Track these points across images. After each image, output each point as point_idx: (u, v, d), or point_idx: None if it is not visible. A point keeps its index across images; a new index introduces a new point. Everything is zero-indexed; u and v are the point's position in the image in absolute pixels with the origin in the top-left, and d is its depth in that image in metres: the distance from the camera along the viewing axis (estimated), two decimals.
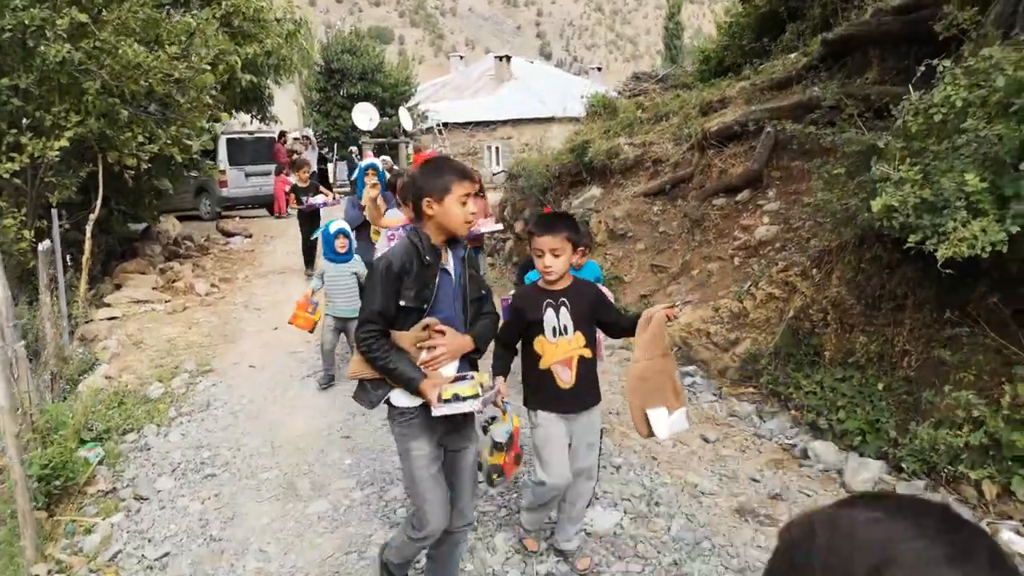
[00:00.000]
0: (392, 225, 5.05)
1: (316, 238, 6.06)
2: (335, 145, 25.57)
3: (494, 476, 3.22)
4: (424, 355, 2.60)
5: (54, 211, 8.05)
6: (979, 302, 4.25)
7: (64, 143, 8.05)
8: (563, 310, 3.04)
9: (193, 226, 15.05)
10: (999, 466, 3.75)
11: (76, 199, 8.99)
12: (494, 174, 21.26)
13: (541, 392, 3.10)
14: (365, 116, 21.93)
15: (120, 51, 8.10)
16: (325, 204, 9.90)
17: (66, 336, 7.43)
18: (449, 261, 2.73)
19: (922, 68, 4.44)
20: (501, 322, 3.04)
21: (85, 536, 4.02)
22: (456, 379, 2.64)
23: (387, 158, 19.91)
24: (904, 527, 0.67)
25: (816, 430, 4.70)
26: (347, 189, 18.02)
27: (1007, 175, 3.59)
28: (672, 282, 7.22)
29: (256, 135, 18.05)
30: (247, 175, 17.22)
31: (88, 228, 8.81)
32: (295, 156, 18.53)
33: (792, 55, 8.69)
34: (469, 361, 2.80)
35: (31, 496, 4.02)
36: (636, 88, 12.89)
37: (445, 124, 29.53)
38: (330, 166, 22.02)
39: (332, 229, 5.99)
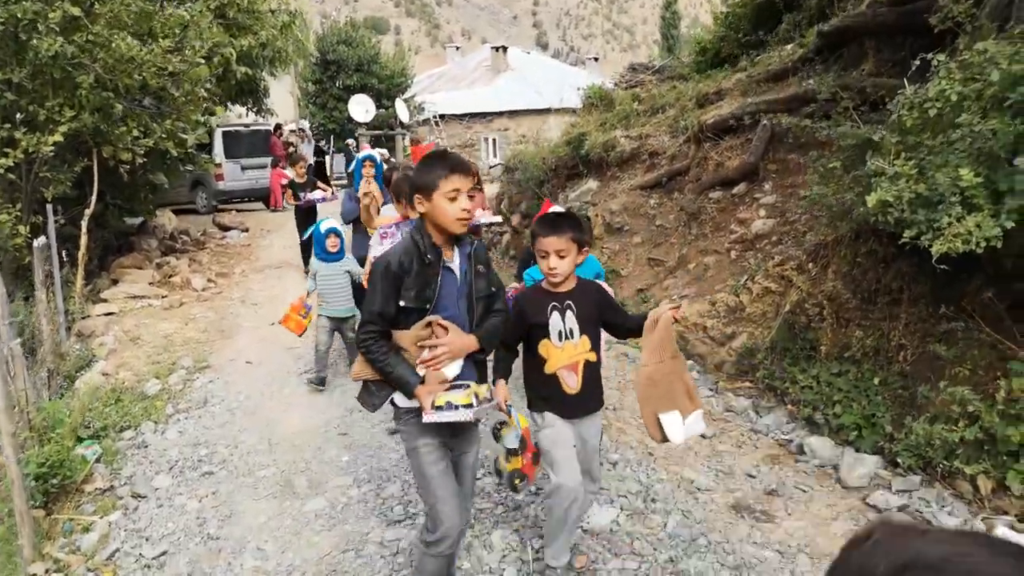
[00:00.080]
0: (385, 223, 5.02)
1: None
2: (331, 137, 25.48)
3: (517, 481, 3.18)
4: (425, 353, 2.54)
5: (49, 207, 8.03)
6: (974, 297, 4.26)
7: (58, 138, 8.01)
8: (569, 313, 2.96)
9: (189, 220, 15.01)
10: (994, 461, 3.76)
11: (71, 194, 8.97)
12: (491, 166, 21.21)
13: (546, 397, 3.01)
14: (361, 108, 21.82)
15: (113, 45, 8.05)
16: (323, 199, 9.74)
17: (63, 332, 7.43)
18: (455, 258, 2.64)
19: (917, 62, 4.43)
20: None
21: (83, 535, 4.02)
22: (452, 386, 2.56)
23: (384, 151, 19.86)
24: None
25: (812, 425, 4.72)
26: (344, 182, 17.98)
27: (1001, 170, 3.58)
28: (669, 276, 7.22)
29: (252, 128, 17.98)
30: (243, 168, 17.16)
31: (83, 223, 8.79)
32: (292, 149, 18.52)
33: (788, 46, 8.65)
34: (475, 362, 2.71)
35: (28, 495, 4.02)
36: (632, 79, 12.86)
37: (442, 116, 29.43)
38: (327, 158, 21.93)
39: (323, 228, 5.89)
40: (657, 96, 10.34)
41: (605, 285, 3.60)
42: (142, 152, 9.00)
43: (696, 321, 6.21)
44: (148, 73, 8.55)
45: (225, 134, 16.91)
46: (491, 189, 12.20)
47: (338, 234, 5.88)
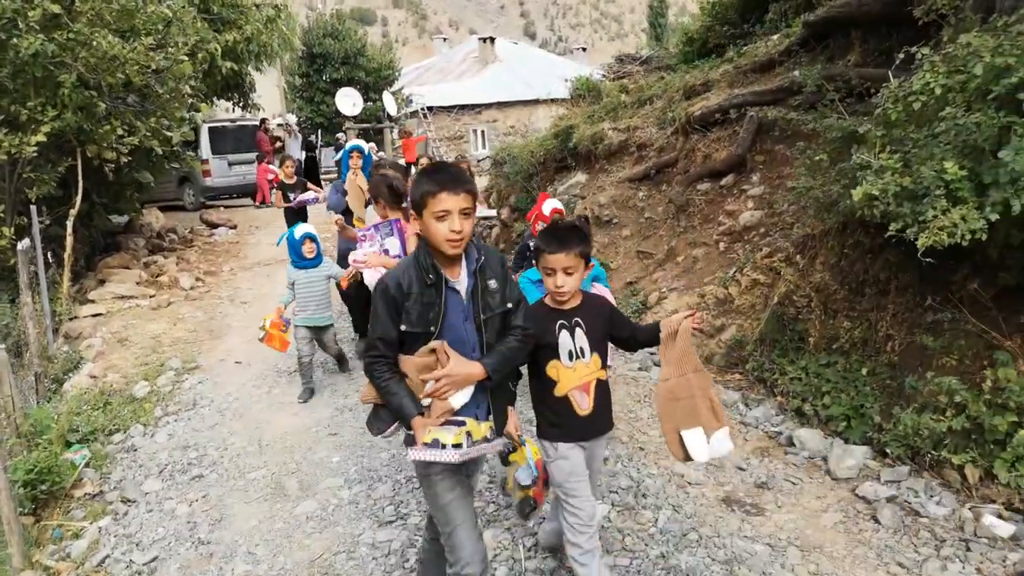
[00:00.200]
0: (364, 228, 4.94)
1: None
2: (319, 131, 25.36)
3: (528, 510, 3.08)
4: (429, 385, 2.36)
5: (33, 207, 7.96)
6: (960, 287, 4.27)
7: (41, 138, 7.94)
8: (578, 331, 2.79)
9: (177, 217, 14.94)
10: (981, 450, 3.79)
11: (56, 194, 8.89)
12: (480, 160, 21.16)
13: (558, 421, 2.82)
14: (349, 101, 21.75)
15: (95, 43, 7.98)
16: (315, 200, 9.22)
17: (50, 334, 7.38)
18: (460, 277, 2.43)
19: (901, 55, 4.43)
20: None
21: (73, 541, 4.01)
22: (447, 421, 2.38)
23: (372, 144, 19.77)
24: None
25: (801, 416, 4.74)
26: (334, 175, 17.89)
27: (986, 162, 3.60)
28: (658, 268, 7.22)
29: (239, 123, 17.88)
30: (230, 164, 17.08)
31: (69, 223, 8.73)
32: (279, 144, 18.40)
33: (775, 36, 8.65)
34: (490, 392, 2.51)
35: (17, 502, 4.00)
36: (620, 70, 12.84)
37: (430, 108, 29.32)
38: (317, 153, 21.75)
39: (297, 234, 5.59)
40: (645, 87, 10.34)
41: (608, 294, 3.53)
42: (127, 151, 8.92)
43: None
44: (131, 71, 8.48)
45: (212, 130, 16.82)
46: (480, 182, 12.17)
47: (314, 239, 5.62)
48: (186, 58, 9.66)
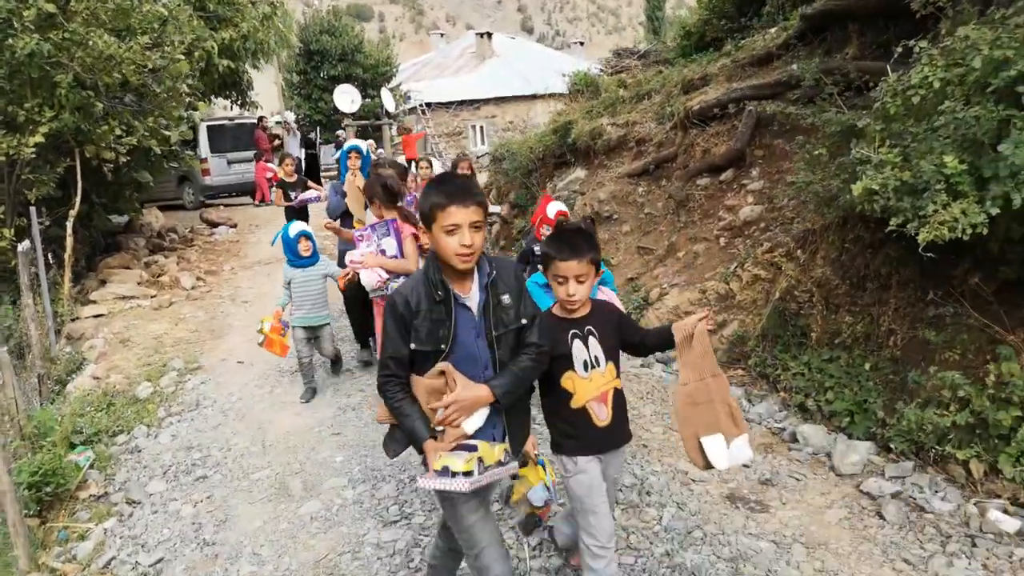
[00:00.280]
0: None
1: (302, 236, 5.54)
2: (318, 129, 25.32)
3: (531, 527, 3.02)
4: (439, 413, 2.29)
5: (32, 208, 7.95)
6: (962, 281, 4.27)
7: (39, 139, 7.93)
8: (591, 340, 2.69)
9: (177, 216, 14.92)
10: (985, 445, 3.79)
11: (55, 195, 8.88)
12: (479, 156, 21.12)
13: (575, 434, 2.70)
14: (347, 98, 21.68)
15: (91, 42, 7.95)
16: (317, 199, 8.78)
17: (52, 336, 7.38)
18: (471, 292, 2.35)
19: (899, 49, 4.42)
20: None
21: (78, 543, 4.02)
22: (458, 446, 2.27)
23: (371, 141, 19.72)
24: None
25: (805, 412, 4.74)
26: (335, 172, 17.84)
27: (986, 156, 3.59)
28: (659, 264, 7.22)
29: (237, 121, 17.84)
30: (229, 163, 17.04)
31: (69, 224, 8.72)
32: (278, 142, 18.36)
33: (772, 30, 8.63)
34: (506, 411, 2.41)
35: (22, 504, 4.01)
36: (618, 65, 12.81)
37: (428, 104, 29.27)
38: (317, 150, 21.66)
39: (292, 232, 5.45)
40: (643, 82, 10.31)
41: (616, 299, 3.49)
42: (125, 151, 8.90)
43: (687, 310, 6.21)
44: (128, 70, 8.45)
45: (210, 128, 16.78)
46: (480, 179, 12.15)
47: (309, 236, 5.51)
48: (183, 57, 9.65)
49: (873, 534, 3.51)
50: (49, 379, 6.40)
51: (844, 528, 3.58)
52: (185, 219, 14.64)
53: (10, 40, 7.44)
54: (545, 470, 2.81)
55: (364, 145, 6.60)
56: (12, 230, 8.07)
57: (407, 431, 2.36)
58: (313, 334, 5.63)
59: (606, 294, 3.50)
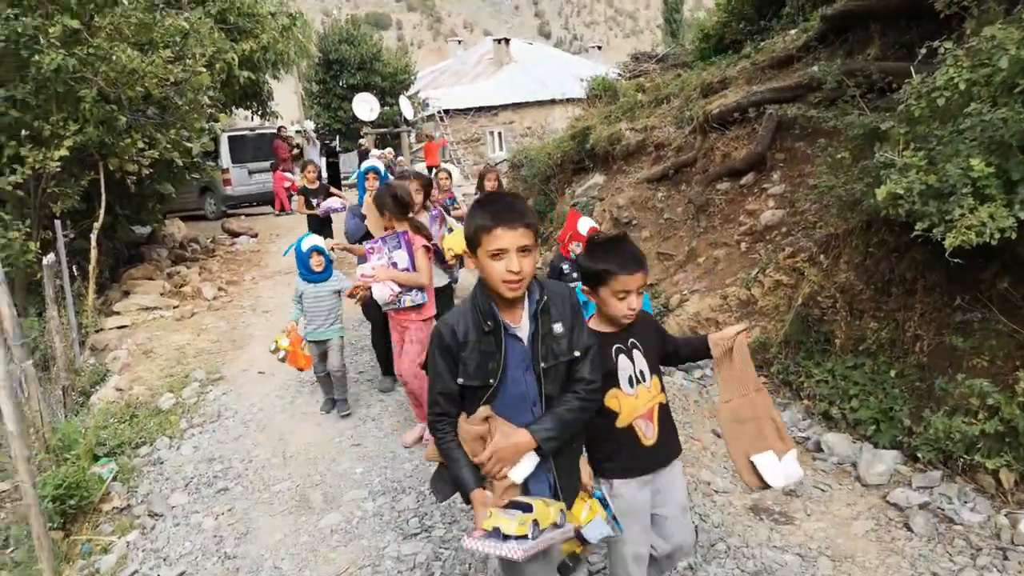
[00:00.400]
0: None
1: (315, 250, 5.39)
2: (337, 137, 25.50)
3: (570, 564, 2.82)
4: (486, 463, 2.13)
5: (57, 222, 8.07)
6: (990, 286, 4.18)
7: (64, 152, 8.04)
8: (636, 353, 2.52)
9: (199, 227, 15.07)
10: (1016, 454, 3.70)
11: (79, 208, 9.00)
12: (497, 162, 21.13)
13: (619, 455, 2.52)
14: (366, 106, 21.86)
15: (114, 57, 8.06)
16: (342, 208, 8.40)
17: (76, 347, 7.47)
18: (522, 322, 2.17)
19: (924, 50, 4.34)
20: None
21: (102, 556, 4.04)
22: (511, 503, 2.08)
23: (390, 149, 19.82)
24: None
25: (829, 420, 4.66)
26: (354, 180, 17.93)
27: (1014, 159, 3.52)
28: (679, 270, 7.16)
29: (258, 131, 18.00)
30: (250, 173, 17.19)
31: (93, 236, 8.83)
32: (297, 151, 18.49)
33: (792, 31, 8.55)
34: (555, 459, 2.22)
35: (46, 517, 4.04)
36: (636, 69, 12.77)
37: (446, 111, 29.39)
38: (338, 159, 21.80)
39: (304, 246, 5.35)
40: (661, 85, 10.26)
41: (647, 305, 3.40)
42: (148, 163, 9.00)
43: (708, 316, 6.16)
44: (150, 84, 8.56)
45: (231, 139, 16.94)
46: None
47: (321, 252, 5.37)
48: (204, 69, 9.75)
49: (901, 547, 3.43)
50: (73, 391, 6.47)
51: (871, 540, 3.50)
52: (207, 229, 14.78)
53: (36, 56, 7.56)
54: (603, 503, 2.52)
55: (382, 165, 6.52)
56: (38, 243, 8.19)
57: (453, 477, 2.19)
58: (323, 348, 5.47)
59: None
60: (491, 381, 2.13)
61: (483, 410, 2.13)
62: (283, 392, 6.13)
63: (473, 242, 2.11)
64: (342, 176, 19.99)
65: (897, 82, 5.38)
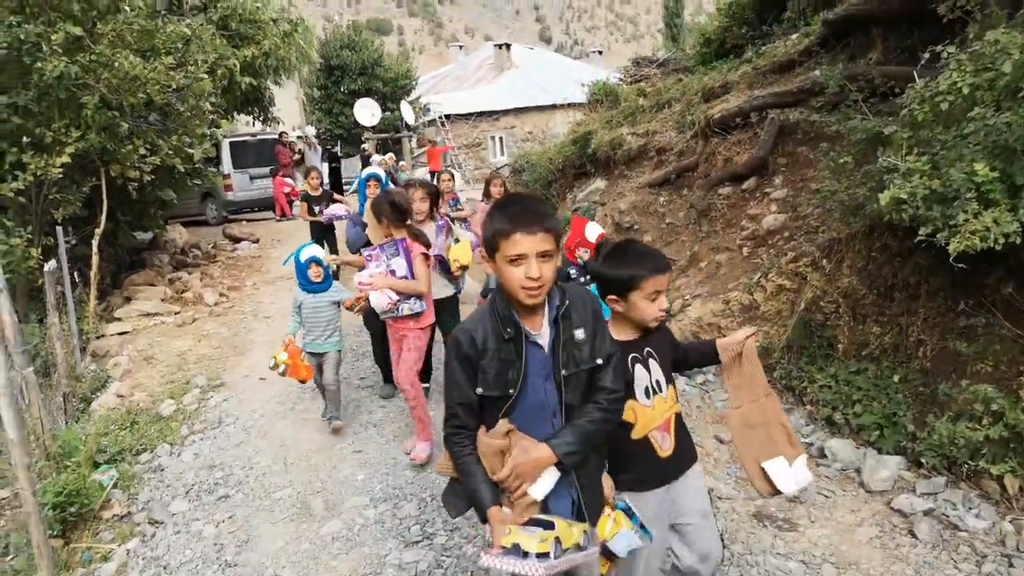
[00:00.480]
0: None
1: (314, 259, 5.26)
2: (339, 142, 25.53)
3: None
4: (506, 479, 2.04)
5: (59, 228, 8.07)
6: (994, 291, 4.16)
7: (66, 159, 8.04)
8: (652, 363, 2.44)
9: (201, 232, 15.07)
10: (1020, 459, 3.68)
11: (81, 214, 9.00)
12: (499, 167, 21.15)
13: (634, 467, 2.41)
14: (367, 112, 21.89)
15: (117, 63, 8.07)
16: (347, 215, 8.23)
17: (77, 354, 7.46)
18: (543, 329, 2.08)
19: (926, 54, 4.33)
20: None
21: (102, 563, 4.03)
22: (531, 520, 1.98)
23: (391, 155, 19.84)
24: None
25: (832, 425, 4.64)
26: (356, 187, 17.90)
27: (1018, 163, 3.50)
28: (681, 275, 7.14)
29: (259, 137, 18.03)
30: (252, 178, 17.21)
31: (95, 243, 8.83)
32: (298, 156, 18.50)
33: (794, 36, 8.55)
34: (576, 474, 2.11)
35: (46, 525, 4.03)
36: (637, 74, 12.76)
37: (447, 116, 29.42)
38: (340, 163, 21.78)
39: (303, 257, 5.23)
40: (663, 90, 10.27)
41: None
42: (150, 169, 9.01)
43: (710, 321, 6.14)
44: (152, 90, 8.56)
45: (232, 144, 16.96)
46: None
47: (319, 263, 5.23)
48: (206, 75, 9.76)
49: (905, 553, 3.41)
50: (74, 397, 6.46)
51: (875, 547, 3.48)
52: (208, 235, 14.79)
53: (39, 63, 7.57)
54: (628, 513, 2.36)
55: (383, 172, 6.48)
56: (39, 250, 8.18)
57: (469, 493, 2.08)
58: (319, 360, 5.34)
59: None
60: (510, 391, 2.03)
61: (504, 424, 2.04)
62: (284, 398, 6.11)
63: (491, 246, 2.02)
64: (344, 181, 19.99)
65: (899, 86, 5.37)
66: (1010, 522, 3.48)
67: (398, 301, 4.41)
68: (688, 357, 2.67)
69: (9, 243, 7.49)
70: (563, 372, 2.06)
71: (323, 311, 5.25)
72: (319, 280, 5.22)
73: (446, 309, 5.30)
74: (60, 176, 8.15)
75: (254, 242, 13.92)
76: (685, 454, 2.51)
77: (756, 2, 10.06)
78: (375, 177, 6.11)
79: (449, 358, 2.10)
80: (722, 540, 3.00)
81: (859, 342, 4.89)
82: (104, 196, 9.04)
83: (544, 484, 2.02)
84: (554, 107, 29.89)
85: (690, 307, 6.48)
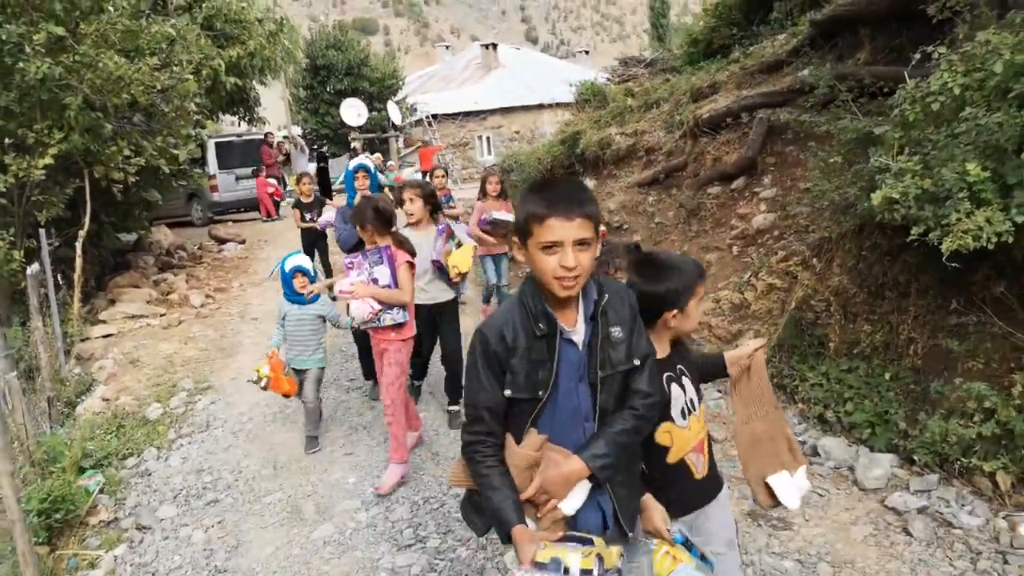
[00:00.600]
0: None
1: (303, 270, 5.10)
2: (326, 143, 25.42)
3: None
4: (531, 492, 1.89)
5: (42, 230, 7.96)
6: (985, 289, 4.18)
7: (49, 160, 7.93)
8: (685, 380, 2.26)
9: (186, 233, 14.94)
10: (1012, 456, 3.69)
11: (65, 216, 8.89)
12: (487, 167, 21.15)
13: (670, 491, 2.20)
14: (353, 112, 21.82)
15: (100, 64, 7.97)
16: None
17: (61, 357, 7.36)
18: (578, 325, 1.90)
19: (916, 55, 4.35)
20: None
21: (89, 571, 3.96)
22: (566, 536, 1.82)
23: (378, 155, 19.76)
24: None
25: (824, 424, 4.65)
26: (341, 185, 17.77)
27: (1009, 163, 3.52)
28: None
29: (245, 137, 17.90)
30: (237, 179, 17.07)
31: (79, 245, 8.72)
32: (283, 156, 18.38)
33: (781, 36, 8.58)
34: (612, 487, 1.94)
35: (31, 533, 3.96)
36: (625, 73, 12.78)
37: (435, 116, 29.35)
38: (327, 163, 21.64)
39: (288, 266, 5.03)
40: (651, 90, 10.28)
41: None
42: (134, 171, 8.90)
43: (701, 320, 6.12)
44: (137, 91, 8.46)
45: (218, 145, 16.83)
46: None
47: (305, 272, 5.03)
48: (191, 76, 9.67)
49: (900, 551, 3.41)
50: (59, 401, 6.37)
51: (870, 545, 3.48)
52: (194, 236, 14.66)
53: (21, 64, 7.46)
54: (686, 545, 2.13)
55: (371, 163, 6.35)
56: (22, 252, 8.07)
57: (491, 510, 1.86)
58: (300, 377, 5.08)
59: None
60: (540, 393, 1.86)
61: (534, 435, 1.89)
62: (272, 401, 6.03)
63: (524, 231, 1.84)
64: (332, 180, 19.88)
65: (888, 86, 5.39)
66: (1003, 519, 3.49)
67: (380, 311, 4.23)
68: (700, 370, 2.51)
69: None
70: (600, 373, 1.89)
71: (307, 324, 5.03)
72: (304, 291, 5.01)
73: (446, 313, 5.10)
74: (43, 178, 8.04)
75: (240, 243, 13.80)
76: (716, 476, 2.40)
77: (743, 2, 10.10)
78: (363, 168, 5.89)
79: (473, 357, 1.92)
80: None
81: (850, 340, 4.91)
82: (88, 197, 8.92)
83: (576, 499, 1.88)
84: (541, 107, 29.90)
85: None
